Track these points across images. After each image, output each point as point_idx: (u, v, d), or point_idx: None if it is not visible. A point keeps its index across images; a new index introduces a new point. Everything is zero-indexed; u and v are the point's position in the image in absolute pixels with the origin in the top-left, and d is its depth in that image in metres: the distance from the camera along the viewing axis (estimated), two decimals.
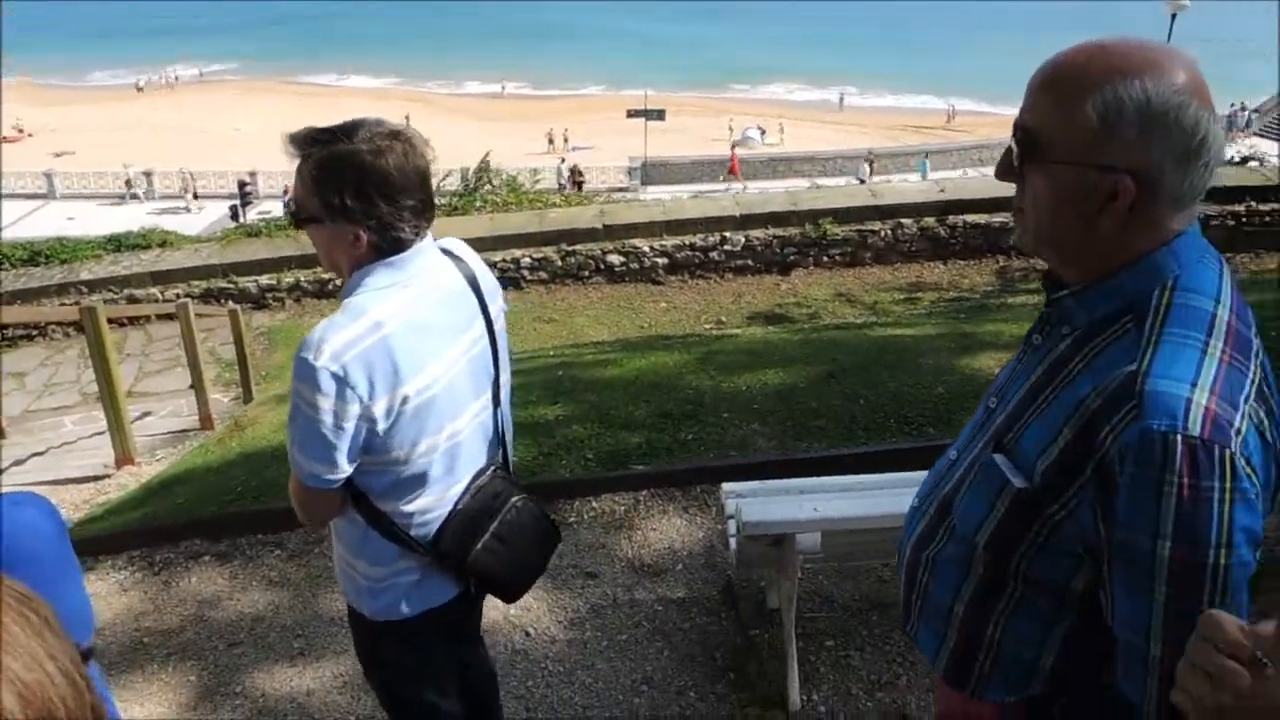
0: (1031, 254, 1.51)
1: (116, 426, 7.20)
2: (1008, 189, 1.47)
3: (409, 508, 2.09)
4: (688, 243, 13.50)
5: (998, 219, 12.74)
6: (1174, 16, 26.42)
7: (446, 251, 2.17)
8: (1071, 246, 1.42)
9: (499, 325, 2.26)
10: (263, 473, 5.51)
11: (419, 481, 2.07)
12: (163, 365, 11.78)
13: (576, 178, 34.13)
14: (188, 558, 4.68)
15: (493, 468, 2.27)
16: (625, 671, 3.62)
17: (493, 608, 3.65)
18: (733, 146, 39.43)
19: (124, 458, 7.22)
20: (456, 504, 2.15)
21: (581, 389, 5.61)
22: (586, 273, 13.48)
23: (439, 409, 2.04)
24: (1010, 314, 8.03)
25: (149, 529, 5.12)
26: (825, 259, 13.51)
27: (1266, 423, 1.30)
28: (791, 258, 13.51)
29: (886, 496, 3.14)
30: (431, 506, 2.12)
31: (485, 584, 2.25)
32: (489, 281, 2.25)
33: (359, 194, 1.92)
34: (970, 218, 13.17)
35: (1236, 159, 18.73)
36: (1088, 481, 1.32)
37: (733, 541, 3.40)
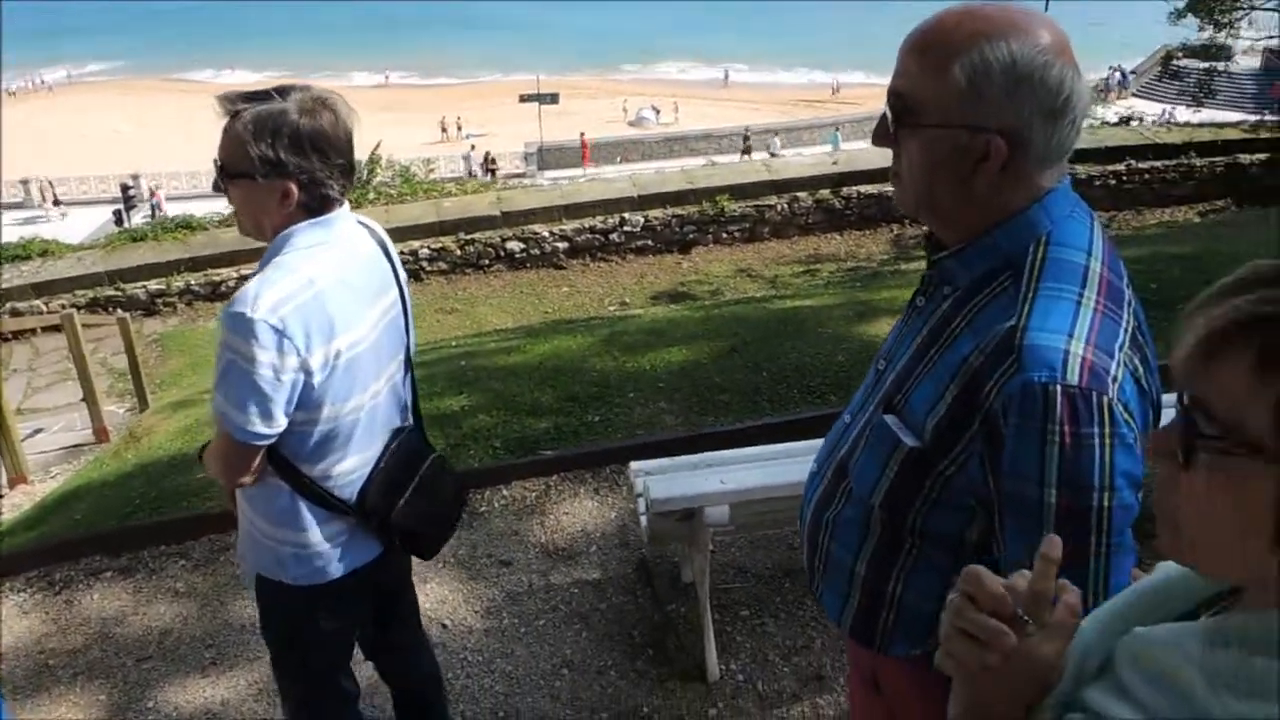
0: (911, 216, 1.55)
1: (6, 446, 6.93)
2: None
3: (335, 469, 2.12)
4: (587, 226, 13.49)
5: (890, 188, 12.85)
6: None
7: (360, 222, 2.22)
8: (948, 207, 1.45)
9: (408, 294, 2.33)
10: (161, 483, 5.36)
11: (344, 442, 2.11)
12: (52, 379, 11.34)
13: (490, 165, 33.77)
14: (89, 575, 4.53)
15: (408, 428, 2.33)
16: (545, 656, 3.63)
17: None
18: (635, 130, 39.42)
19: (16, 477, 6.97)
20: (378, 463, 2.20)
21: (486, 378, 5.57)
22: (487, 261, 13.36)
23: (364, 367, 2.09)
24: (905, 280, 8.21)
25: (46, 548, 4.93)
26: (724, 235, 13.62)
27: (1141, 369, 1.35)
28: (691, 236, 13.59)
29: (791, 465, 3.20)
30: (355, 467, 2.15)
31: (407, 540, 2.29)
32: (395, 252, 2.32)
33: (294, 148, 1.95)
34: (864, 188, 13.42)
35: (1115, 120, 19.41)
36: (975, 436, 1.35)
37: (643, 519, 3.42)
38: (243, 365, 1.89)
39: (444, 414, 5.15)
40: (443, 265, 13.28)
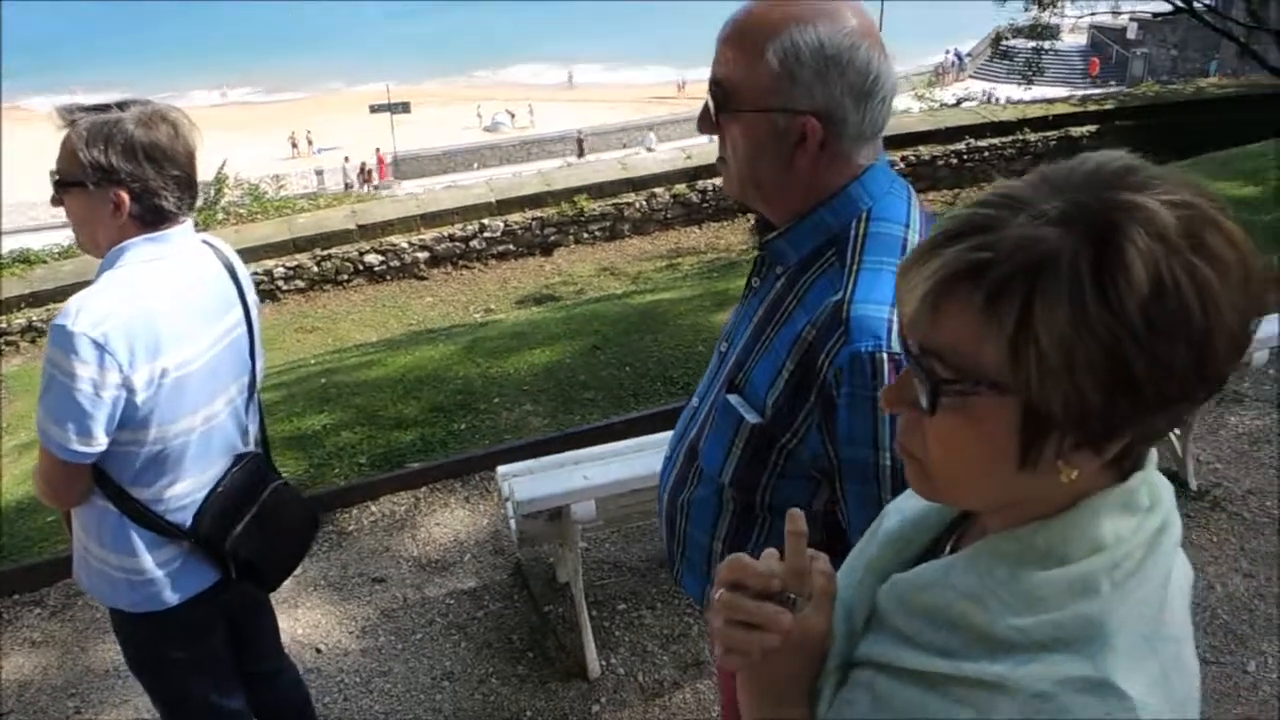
0: (738, 199, 1.59)
1: None
2: None
3: (166, 493, 2.06)
4: (447, 234, 13.31)
5: None
6: None
7: (206, 241, 2.17)
8: (772, 189, 1.49)
9: (256, 315, 2.27)
10: (11, 528, 5.09)
11: (175, 464, 2.05)
12: None
13: (366, 178, 33.00)
14: None
15: (251, 454, 2.26)
16: (424, 670, 3.58)
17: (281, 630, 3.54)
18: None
19: None
20: (214, 487, 2.14)
21: (348, 394, 5.46)
22: (345, 276, 13.06)
23: (197, 389, 2.03)
24: None
25: None
26: (586, 236, 13.64)
27: None
28: (553, 238, 13.57)
29: (654, 456, 3.22)
30: (188, 491, 2.09)
31: (245, 569, 2.21)
32: (245, 273, 2.26)
33: (126, 154, 1.92)
34: (718, 181, 13.57)
35: (953, 101, 20.19)
36: (813, 408, 1.40)
37: (513, 523, 3.41)
38: (62, 380, 1.84)
39: (306, 434, 5.03)
40: (300, 283, 12.93)
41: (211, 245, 2.19)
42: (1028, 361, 0.77)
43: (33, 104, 56.48)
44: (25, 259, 13.60)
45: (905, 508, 1.08)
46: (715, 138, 1.55)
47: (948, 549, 1.00)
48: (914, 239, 1.46)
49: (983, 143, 14.77)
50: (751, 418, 1.49)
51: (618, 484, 3.12)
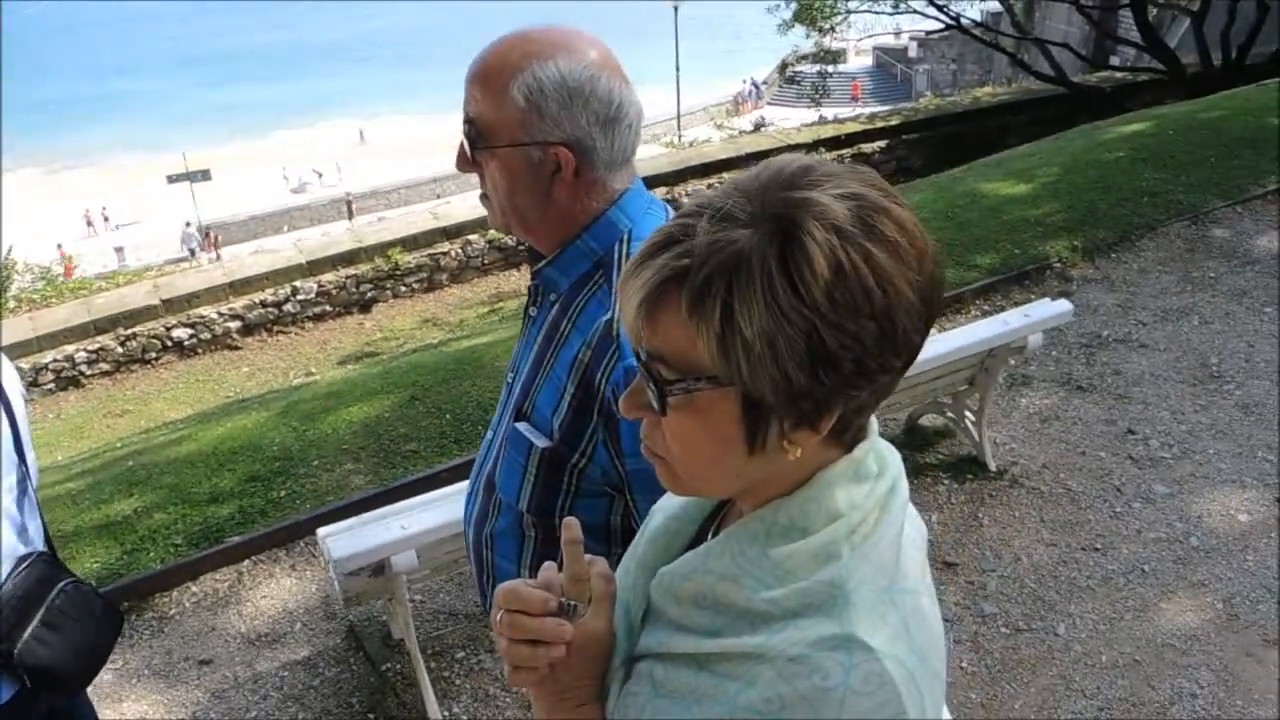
0: (504, 232, 1.65)
1: None
2: None
3: None
4: (258, 300, 12.91)
5: None
6: (676, 9, 28.99)
7: None
8: (535, 220, 1.56)
9: (19, 408, 2.14)
10: None
11: None
12: None
13: (213, 245, 31.58)
14: None
15: (33, 555, 2.13)
16: None
17: None
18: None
19: None
20: None
21: (158, 473, 5.24)
22: (153, 354, 12.48)
23: None
24: None
25: None
26: (403, 289, 13.46)
27: None
28: (370, 294, 13.34)
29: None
30: None
31: (40, 678, 2.08)
32: (6, 365, 2.14)
33: None
34: None
35: (751, 128, 20.92)
36: (596, 425, 1.47)
37: (336, 584, 3.35)
38: None
39: (115, 520, 4.80)
40: (104, 366, 12.28)
41: None
42: (735, 353, 0.84)
43: None
44: None
45: (668, 505, 1.15)
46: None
47: (710, 537, 1.07)
48: None
49: None
50: (541, 442, 1.54)
51: (437, 530, 3.12)
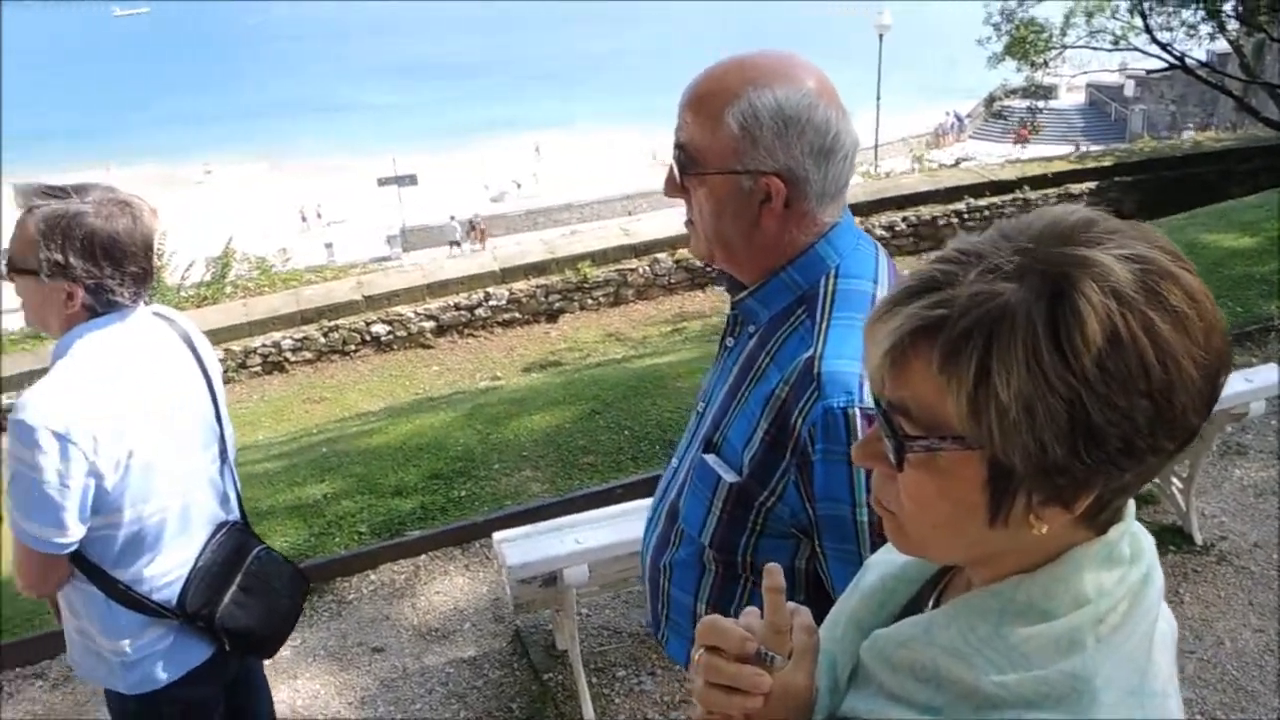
0: (707, 262, 1.62)
1: None
2: None
3: (148, 571, 2.05)
4: (452, 303, 13.40)
5: None
6: (881, 36, 28.56)
7: (158, 314, 2.17)
8: (740, 249, 1.52)
9: (218, 383, 2.26)
10: (12, 602, 5.08)
11: (154, 543, 2.04)
12: None
13: (480, 237, 33.16)
14: None
15: (230, 523, 2.25)
16: None
17: (278, 701, 3.52)
18: None
19: None
20: (196, 562, 2.13)
21: (348, 462, 5.47)
22: (352, 347, 13.13)
23: (166, 467, 2.03)
24: None
25: None
26: (590, 302, 13.71)
27: None
28: (557, 305, 13.64)
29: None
30: (170, 568, 2.08)
31: (238, 640, 2.19)
32: (204, 343, 2.26)
33: (84, 253, 1.91)
34: None
35: (951, 162, 20.38)
36: (789, 465, 1.41)
37: (508, 589, 3.40)
38: (28, 474, 1.83)
39: (306, 503, 5.03)
40: (307, 354, 13.00)
41: (165, 318, 2.19)
42: (988, 416, 0.77)
43: (77, 172, 57.24)
44: (38, 335, 13.68)
45: (886, 561, 1.08)
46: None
47: (930, 603, 1.01)
48: (882, 294, 1.48)
49: (983, 201, 14.87)
50: (729, 477, 1.50)
51: (611, 548, 3.12)
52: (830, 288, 1.48)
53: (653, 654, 3.82)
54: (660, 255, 13.82)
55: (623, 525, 3.23)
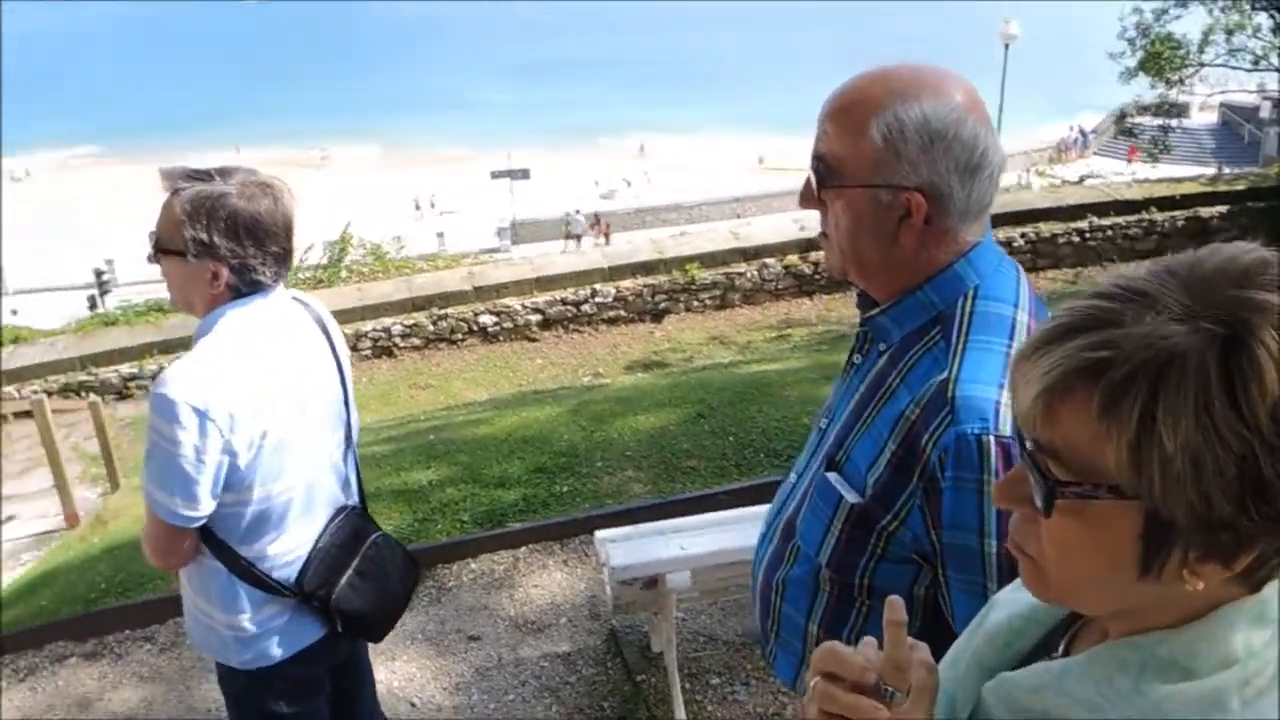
0: (840, 276, 1.58)
1: None
2: None
3: (271, 550, 2.09)
4: (559, 298, 13.54)
5: None
6: (1007, 46, 27.88)
7: (296, 299, 2.22)
8: (875, 265, 1.48)
9: (348, 369, 2.30)
10: (129, 565, 5.29)
11: (279, 522, 2.08)
12: (25, 466, 11.19)
13: (603, 231, 33.82)
14: (54, 661, 4.46)
15: (350, 507, 2.29)
16: None
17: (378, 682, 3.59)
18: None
19: None
20: (316, 543, 2.17)
21: (454, 450, 5.56)
22: (460, 335, 13.37)
23: (296, 448, 2.07)
24: None
25: (10, 635, 4.86)
26: (696, 304, 13.70)
27: None
28: (663, 305, 13.67)
29: (754, 529, 3.17)
30: (292, 548, 2.12)
31: (350, 622, 2.23)
32: (336, 329, 2.31)
33: (228, 233, 1.96)
34: None
35: (1076, 179, 19.81)
36: (915, 489, 1.37)
37: (608, 589, 3.40)
38: (166, 447, 1.88)
39: (411, 488, 5.12)
40: (416, 341, 13.28)
41: (303, 302, 2.24)
42: (1150, 467, 0.73)
43: (188, 159, 59.55)
44: (160, 308, 14.25)
45: (1014, 600, 1.04)
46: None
47: (1060, 648, 0.97)
48: (1023, 319, 1.43)
49: (1106, 221, 14.41)
50: (851, 497, 1.46)
51: (715, 555, 3.10)
52: (968, 309, 1.43)
53: (747, 663, 3.78)
54: (769, 260, 13.74)
55: (727, 534, 3.21)
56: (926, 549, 1.39)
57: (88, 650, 4.49)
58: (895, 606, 0.95)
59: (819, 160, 1.47)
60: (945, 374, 1.36)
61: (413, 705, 3.76)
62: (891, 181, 1.39)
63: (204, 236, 1.96)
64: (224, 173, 2.02)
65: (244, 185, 2.00)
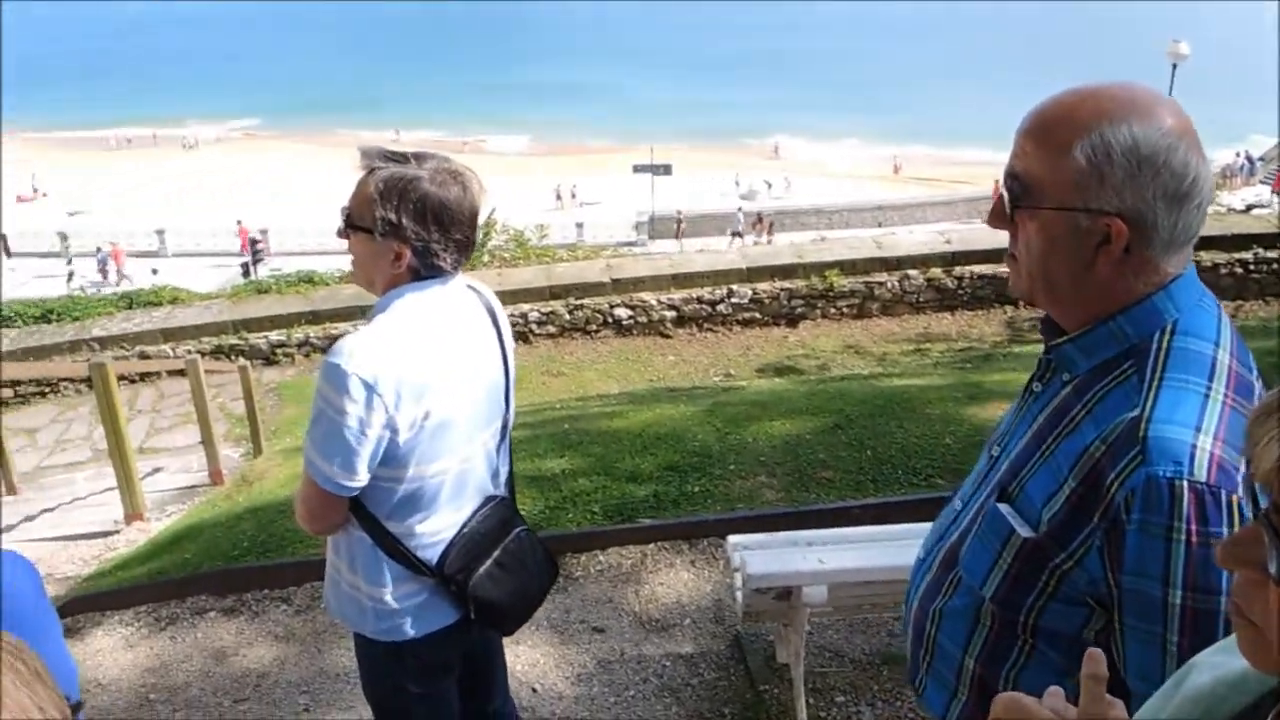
0: (1026, 301, 1.51)
1: (126, 483, 7.17)
2: None
3: (418, 529, 2.12)
4: (695, 296, 13.55)
5: (1005, 269, 12.60)
6: (1175, 67, 26.67)
7: (470, 286, 2.25)
8: (1067, 292, 1.41)
9: (512, 361, 2.34)
10: (270, 526, 5.49)
11: (429, 502, 2.11)
12: (174, 421, 11.80)
13: (766, 229, 34.11)
14: (194, 613, 4.66)
15: (499, 497, 2.31)
16: None
17: None
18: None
19: (133, 514, 7.19)
20: (462, 528, 2.19)
21: (588, 441, 5.59)
22: (594, 326, 13.51)
23: (455, 432, 2.10)
24: (1018, 362, 8.02)
25: (156, 584, 5.10)
26: (833, 311, 13.53)
27: None
28: (799, 310, 13.54)
29: (895, 548, 3.11)
30: (438, 529, 2.15)
31: (484, 611, 2.25)
32: (505, 320, 2.34)
33: (416, 216, 2.01)
34: (977, 268, 13.21)
35: (1242, 207, 18.83)
36: (1095, 530, 1.30)
37: (739, 595, 3.36)
38: (332, 416, 1.93)
39: (545, 475, 5.18)
40: (551, 329, 13.48)
41: (475, 290, 2.26)
42: None
43: (339, 136, 62.08)
44: (309, 279, 14.82)
45: (1219, 664, 0.97)
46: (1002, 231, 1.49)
47: (1270, 718, 0.90)
48: (1224, 359, 1.34)
49: (1272, 253, 13.66)
50: (1024, 531, 1.39)
51: (854, 572, 3.03)
52: (1165, 344, 1.35)
53: (874, 684, 3.70)
54: (911, 272, 13.47)
55: (867, 551, 3.13)
56: (1102, 592, 1.32)
57: (227, 605, 4.67)
58: (1095, 660, 0.90)
59: (1014, 179, 1.41)
60: (1137, 411, 1.29)
61: (534, 691, 3.80)
62: (1092, 206, 1.32)
63: (393, 217, 2.00)
64: (419, 157, 2.07)
65: (436, 171, 2.04)
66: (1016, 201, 1.41)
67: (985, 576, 1.46)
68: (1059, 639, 1.41)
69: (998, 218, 1.46)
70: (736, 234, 34.02)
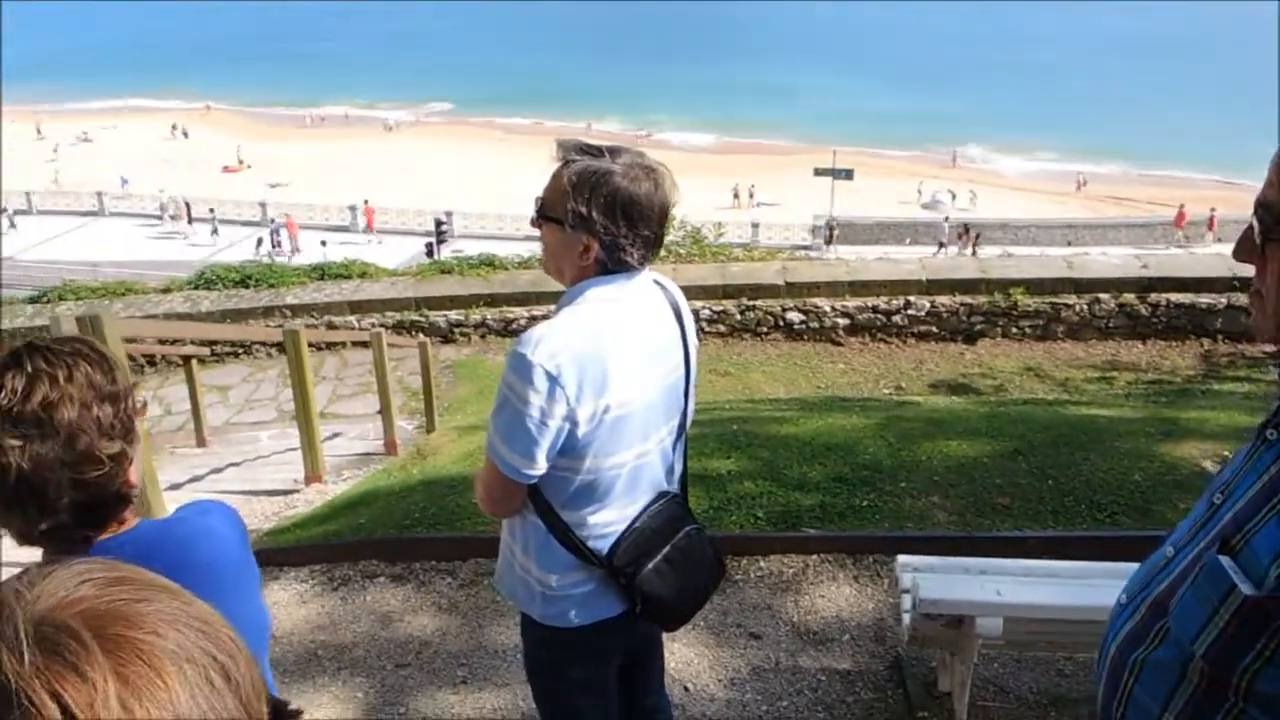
0: (1270, 341, 1.40)
1: (308, 445, 7.54)
2: (1216, 268, 1.37)
3: (591, 519, 2.15)
4: (870, 305, 13.27)
5: (1204, 299, 11.98)
6: None
7: (656, 281, 2.26)
8: None
9: (694, 359, 2.33)
10: (441, 500, 5.67)
11: (603, 494, 2.14)
12: (354, 390, 12.35)
13: (971, 242, 34.00)
14: (365, 576, 4.85)
15: (671, 494, 2.32)
16: None
17: None
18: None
19: (313, 475, 7.56)
20: (634, 521, 2.21)
21: (756, 445, 5.55)
22: (765, 329, 13.40)
23: (633, 426, 2.11)
24: (1217, 400, 7.52)
25: (331, 545, 5.34)
26: (1014, 331, 13.01)
27: None
28: (978, 327, 13.08)
29: (1079, 587, 2.97)
30: (611, 521, 2.18)
31: (649, 605, 2.26)
32: (690, 317, 2.33)
33: (606, 210, 2.03)
34: (1174, 297, 12.46)
35: None
36: None
37: (906, 617, 3.27)
38: (515, 404, 1.97)
39: (710, 475, 5.16)
40: (721, 328, 13.45)
41: (661, 285, 2.27)
42: None
43: (527, 127, 63.75)
44: (490, 263, 15.24)
45: None
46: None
47: None
48: None
49: None
50: (1246, 588, 1.29)
51: (1034, 608, 2.90)
52: None
53: None
54: (1102, 296, 12.81)
55: (1048, 587, 2.99)
56: None
57: (396, 572, 4.85)
58: None
59: (1265, 209, 1.30)
60: None
61: (686, 690, 3.79)
62: None
63: (583, 210, 2.03)
64: (613, 151, 2.09)
65: (629, 166, 2.06)
66: (1268, 234, 1.31)
67: (1198, 631, 1.36)
68: (1274, 705, 1.31)
69: (1245, 250, 1.35)
70: (941, 244, 33.39)
